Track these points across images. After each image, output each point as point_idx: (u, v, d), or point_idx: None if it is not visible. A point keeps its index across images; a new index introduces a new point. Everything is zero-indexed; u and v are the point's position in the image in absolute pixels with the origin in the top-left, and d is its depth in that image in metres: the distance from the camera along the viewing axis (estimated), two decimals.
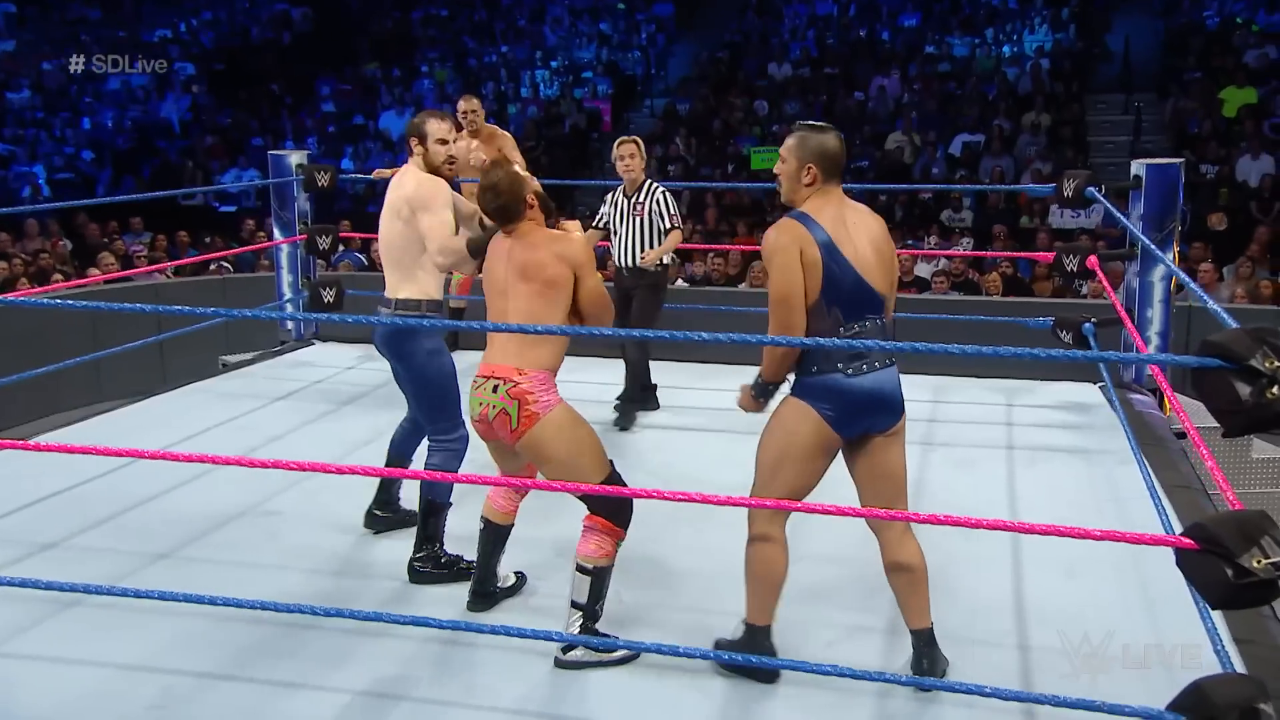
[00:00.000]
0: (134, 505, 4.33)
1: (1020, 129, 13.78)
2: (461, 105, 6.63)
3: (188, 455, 3.25)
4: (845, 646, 3.30)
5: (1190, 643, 3.25)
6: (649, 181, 5.57)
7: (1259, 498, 5.72)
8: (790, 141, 3.03)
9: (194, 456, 3.34)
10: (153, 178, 16.19)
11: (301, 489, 4.53)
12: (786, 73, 15.94)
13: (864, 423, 3.02)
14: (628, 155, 5.47)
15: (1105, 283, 5.49)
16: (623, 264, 5.54)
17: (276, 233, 6.96)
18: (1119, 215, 5.05)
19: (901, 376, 3.07)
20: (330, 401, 5.83)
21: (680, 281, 9.27)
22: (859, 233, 3.00)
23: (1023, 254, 8.65)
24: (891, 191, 12.42)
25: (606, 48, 17.90)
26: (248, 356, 6.83)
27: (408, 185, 3.83)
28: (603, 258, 6.34)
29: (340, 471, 2.66)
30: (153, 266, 9.89)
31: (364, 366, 6.53)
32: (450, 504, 3.77)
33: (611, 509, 3.17)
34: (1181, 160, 5.72)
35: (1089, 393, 5.94)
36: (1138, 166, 5.69)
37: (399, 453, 4.16)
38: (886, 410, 3.04)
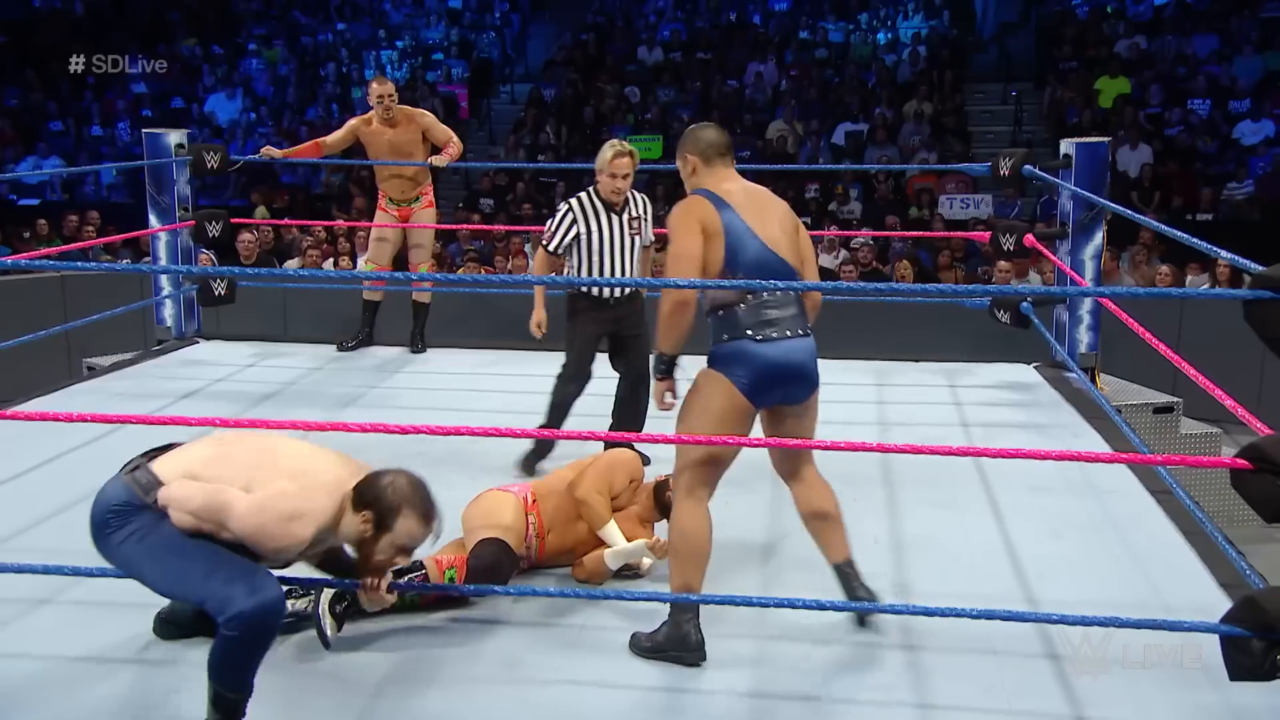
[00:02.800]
0: (73, 503, 4.32)
1: (903, 118, 14.66)
2: (375, 88, 6.78)
3: (187, 419, 3.32)
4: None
5: (1184, 590, 3.78)
6: (632, 191, 4.92)
7: (1189, 471, 6.41)
8: (678, 154, 3.52)
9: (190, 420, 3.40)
10: None
11: None
12: (657, 57, 16.46)
13: (777, 392, 3.37)
14: (624, 173, 4.77)
15: (1053, 258, 6.08)
16: (611, 293, 4.82)
17: (153, 220, 6.90)
18: (1074, 189, 5.63)
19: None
20: (243, 399, 5.86)
21: None
22: (762, 205, 3.42)
23: (960, 234, 9.36)
24: (786, 181, 13.03)
25: (457, 27, 18.05)
26: (127, 356, 6.75)
27: None
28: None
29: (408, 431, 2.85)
30: None
31: (264, 364, 6.59)
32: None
33: None
34: (1108, 139, 6.39)
35: (1026, 373, 6.55)
36: (1067, 146, 6.32)
37: None
38: (798, 381, 3.38)
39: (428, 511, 2.87)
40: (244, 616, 2.66)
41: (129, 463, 2.88)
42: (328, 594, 3.25)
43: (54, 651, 3.28)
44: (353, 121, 6.96)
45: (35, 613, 3.52)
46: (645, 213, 4.95)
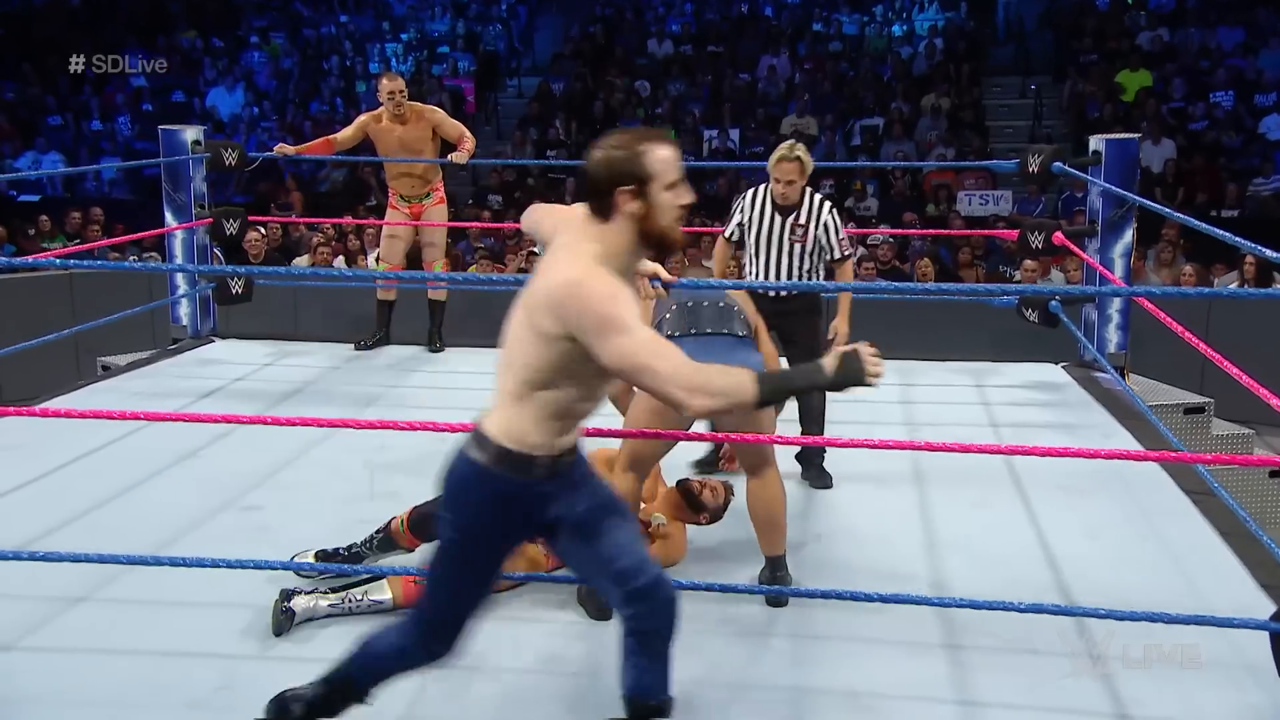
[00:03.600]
0: (101, 503, 4.43)
1: (919, 112, 14.73)
2: (385, 85, 6.89)
3: (210, 415, 3.42)
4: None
5: (1224, 590, 3.85)
6: (811, 194, 4.89)
7: (1220, 473, 6.49)
8: None
9: (215, 417, 3.51)
10: None
11: (275, 484, 4.70)
12: (667, 50, 16.54)
13: None
14: (788, 178, 4.74)
15: (1084, 256, 6.15)
16: (762, 290, 4.80)
17: (169, 217, 6.98)
18: (1105, 186, 5.70)
19: None
20: (265, 397, 5.94)
21: None
22: None
23: (986, 231, 9.44)
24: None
25: (463, 19, 18.14)
26: (144, 355, 6.84)
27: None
28: None
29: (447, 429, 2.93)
30: None
31: (281, 363, 6.69)
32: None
33: None
34: (1138, 135, 6.46)
35: (1054, 372, 6.63)
36: (1096, 142, 6.40)
37: None
38: None
39: (646, 132, 2.56)
40: (418, 659, 2.69)
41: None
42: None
43: (96, 647, 3.38)
44: (363, 118, 7.06)
45: (73, 610, 3.60)
46: (815, 220, 4.84)
